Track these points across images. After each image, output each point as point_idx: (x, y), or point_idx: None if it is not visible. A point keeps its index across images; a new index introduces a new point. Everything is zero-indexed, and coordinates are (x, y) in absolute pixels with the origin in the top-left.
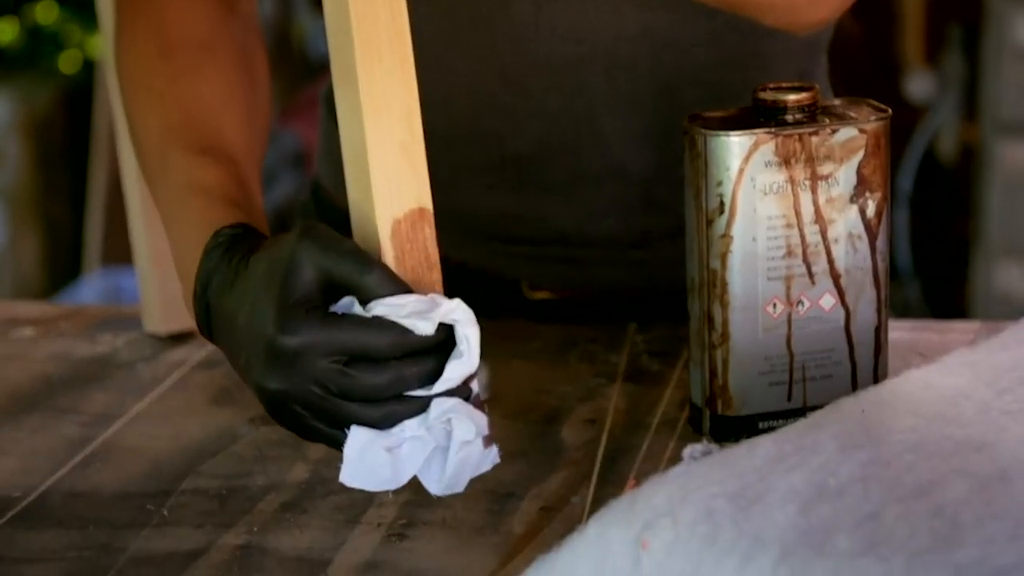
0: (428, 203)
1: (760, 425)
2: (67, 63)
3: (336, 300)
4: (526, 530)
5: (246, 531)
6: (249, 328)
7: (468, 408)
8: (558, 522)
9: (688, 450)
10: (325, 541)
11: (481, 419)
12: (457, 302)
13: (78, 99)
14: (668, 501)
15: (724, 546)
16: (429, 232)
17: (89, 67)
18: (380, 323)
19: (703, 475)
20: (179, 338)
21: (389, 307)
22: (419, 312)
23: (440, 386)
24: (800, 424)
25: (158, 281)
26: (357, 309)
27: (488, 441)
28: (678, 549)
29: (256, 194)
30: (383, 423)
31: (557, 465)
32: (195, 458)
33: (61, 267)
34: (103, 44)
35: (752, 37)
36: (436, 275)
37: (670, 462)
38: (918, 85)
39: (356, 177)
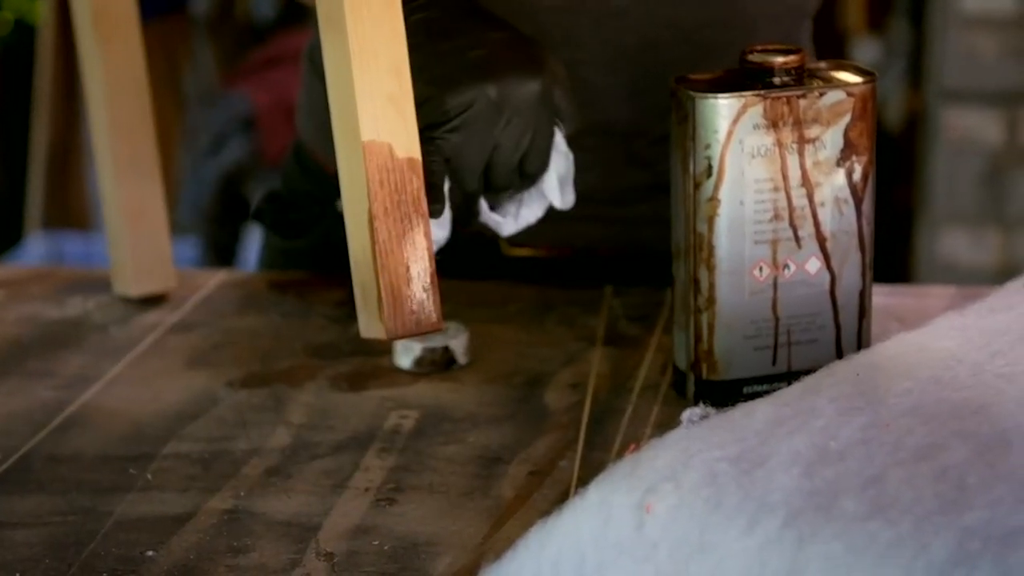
0: (417, 154)
1: (745, 390)
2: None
3: None
4: (516, 494)
5: (232, 495)
6: None
7: None
8: (548, 486)
9: (687, 414)
10: (313, 505)
11: None
12: None
13: (10, 63)
14: (670, 465)
15: (729, 510)
16: (418, 183)
17: (21, 30)
18: None
19: (704, 439)
20: (150, 301)
21: None
22: None
23: None
24: (795, 388)
25: (130, 242)
26: None
27: None
28: (682, 513)
29: None
30: None
31: (543, 429)
32: (175, 422)
33: None
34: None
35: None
36: (425, 227)
37: (656, 426)
38: (864, 52)
39: (344, 128)
